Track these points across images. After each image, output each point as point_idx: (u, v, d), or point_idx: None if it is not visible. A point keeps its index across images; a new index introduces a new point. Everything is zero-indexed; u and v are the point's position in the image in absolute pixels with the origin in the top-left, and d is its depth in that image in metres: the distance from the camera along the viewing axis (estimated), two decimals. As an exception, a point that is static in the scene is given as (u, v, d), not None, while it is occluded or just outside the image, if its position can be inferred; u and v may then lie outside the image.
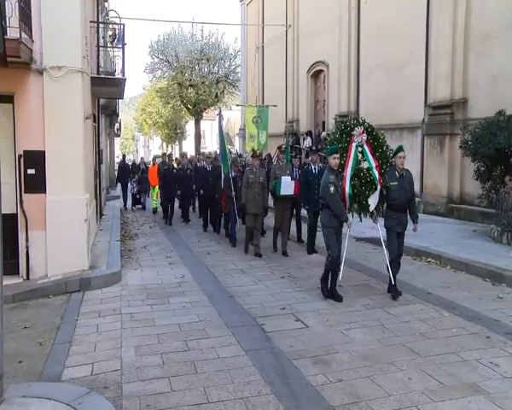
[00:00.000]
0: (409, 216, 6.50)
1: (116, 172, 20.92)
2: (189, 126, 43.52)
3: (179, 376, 4.23)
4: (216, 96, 33.03)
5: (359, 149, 6.46)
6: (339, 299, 6.23)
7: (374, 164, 6.38)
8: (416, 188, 12.32)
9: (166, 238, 11.23)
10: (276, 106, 18.20)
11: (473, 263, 7.62)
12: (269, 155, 17.68)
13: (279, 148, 11.54)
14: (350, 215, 6.52)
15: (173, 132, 46.32)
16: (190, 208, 15.00)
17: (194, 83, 32.09)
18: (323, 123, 20.32)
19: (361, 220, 6.74)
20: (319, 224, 6.88)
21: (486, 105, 11.24)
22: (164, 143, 52.58)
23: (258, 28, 26.50)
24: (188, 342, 4.98)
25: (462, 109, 12.62)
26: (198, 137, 34.83)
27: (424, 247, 8.76)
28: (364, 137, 6.46)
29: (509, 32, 11.18)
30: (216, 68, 33.26)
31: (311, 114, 21.51)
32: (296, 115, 22.50)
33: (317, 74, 21.07)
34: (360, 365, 4.40)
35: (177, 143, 49.00)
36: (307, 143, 18.79)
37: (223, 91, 33.58)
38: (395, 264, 6.47)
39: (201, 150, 31.61)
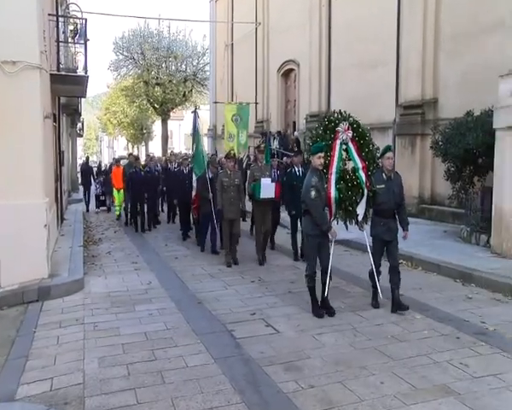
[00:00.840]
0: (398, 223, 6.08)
1: (79, 175, 20.51)
2: (156, 126, 43.11)
3: (146, 387, 4.17)
4: (184, 95, 32.90)
5: (344, 146, 5.99)
6: (331, 313, 5.86)
7: (360, 165, 5.90)
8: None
9: (132, 243, 11.07)
10: (257, 103, 17.59)
11: (444, 264, 7.83)
12: (248, 156, 17.67)
13: (257, 148, 11.01)
14: (334, 222, 6.04)
15: (139, 133, 45.71)
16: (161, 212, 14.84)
17: (161, 81, 31.84)
18: (294, 123, 20.49)
19: (347, 228, 6.17)
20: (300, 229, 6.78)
21: (456, 105, 11.55)
22: (129, 144, 51.87)
23: (228, 26, 26.52)
24: (154, 351, 4.92)
25: (433, 109, 12.97)
26: (165, 138, 34.57)
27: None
28: (350, 134, 6.02)
29: (478, 31, 11.55)
30: (184, 66, 33.12)
31: (282, 114, 21.66)
32: (267, 115, 22.61)
33: (287, 73, 21.23)
34: (332, 370, 4.44)
35: (143, 143, 48.43)
36: (276, 143, 18.87)
37: (191, 90, 33.46)
38: (393, 274, 5.97)
39: (174, 150, 31.32)
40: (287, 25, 20.28)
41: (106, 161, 41.50)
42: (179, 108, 35.88)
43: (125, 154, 39.03)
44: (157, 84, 32.02)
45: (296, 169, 8.82)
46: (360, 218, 6.02)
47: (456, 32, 12.23)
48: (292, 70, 20.73)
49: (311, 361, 4.63)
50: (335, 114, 6.34)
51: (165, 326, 5.61)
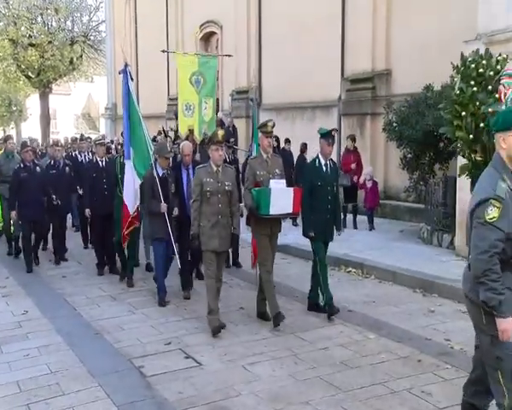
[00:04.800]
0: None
1: None
2: (32, 103, 40.97)
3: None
4: (71, 62, 31.69)
5: None
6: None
7: None
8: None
9: (0, 260, 10.51)
10: (231, 55, 14.61)
11: (400, 271, 8.19)
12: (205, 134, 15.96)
13: (262, 127, 7.04)
14: None
15: (6, 110, 42.91)
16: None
17: (37, 42, 30.21)
18: (217, 101, 20.49)
19: None
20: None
21: (413, 78, 12.06)
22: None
23: (128, -30, 26.04)
24: (31, 405, 4.68)
25: (386, 83, 13.54)
26: (46, 118, 33.05)
27: (344, 254, 9.22)
28: None
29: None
30: (69, 24, 31.92)
31: (202, 88, 21.58)
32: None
33: (207, 38, 21.22)
34: (269, 408, 4.48)
35: (12, 125, 45.68)
36: None
37: (81, 56, 32.37)
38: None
39: (59, 135, 30.00)
40: (205, -26, 20.28)
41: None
42: (65, 79, 34.40)
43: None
44: (30, 44, 30.27)
45: (322, 160, 6.93)
46: None
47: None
48: (213, 34, 20.75)
49: (243, 399, 4.65)
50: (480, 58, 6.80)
51: (49, 369, 5.38)
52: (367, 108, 13.79)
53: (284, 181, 6.80)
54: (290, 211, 6.72)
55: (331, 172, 6.91)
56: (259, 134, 6.95)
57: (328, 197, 6.77)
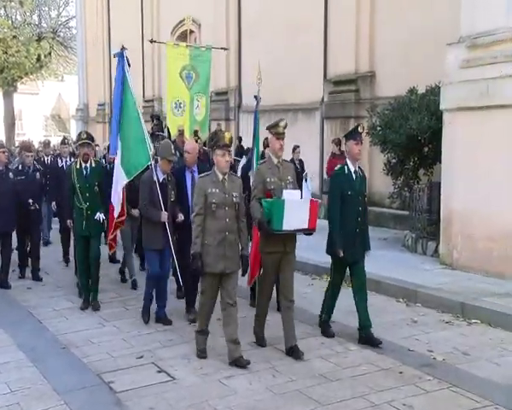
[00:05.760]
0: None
1: None
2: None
3: None
4: (38, 59, 31.44)
5: None
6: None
7: None
8: (315, 186, 13.10)
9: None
10: (227, 49, 14.94)
11: (384, 280, 8.32)
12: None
13: (272, 128, 6.43)
14: None
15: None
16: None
17: (0, 36, 29.88)
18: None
19: None
20: None
21: (397, 81, 12.28)
22: None
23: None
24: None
25: (370, 86, 13.71)
26: (11, 119, 32.75)
27: (325, 262, 9.27)
28: None
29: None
30: (36, 18, 31.71)
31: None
32: (158, 92, 22.51)
33: (185, 37, 21.15)
34: (244, 423, 4.54)
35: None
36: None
37: (49, 53, 32.18)
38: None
39: (26, 138, 29.66)
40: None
41: None
42: (32, 77, 34.15)
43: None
44: (-9, 38, 30.00)
45: (351, 167, 6.46)
46: None
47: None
48: (191, 32, 20.74)
49: (218, 415, 4.68)
50: None
51: (9, 388, 5.29)
52: (350, 111, 13.94)
53: (299, 192, 6.17)
54: (306, 227, 6.08)
55: (361, 180, 6.50)
56: (269, 136, 6.36)
57: (359, 208, 6.39)
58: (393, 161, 10.88)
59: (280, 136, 6.21)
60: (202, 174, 6.15)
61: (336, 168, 6.74)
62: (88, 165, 7.78)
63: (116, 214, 7.96)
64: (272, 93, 15.87)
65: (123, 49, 8.09)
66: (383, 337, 6.38)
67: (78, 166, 7.80)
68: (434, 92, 10.06)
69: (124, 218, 8.10)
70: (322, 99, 14.91)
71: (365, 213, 6.61)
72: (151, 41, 12.52)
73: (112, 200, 7.98)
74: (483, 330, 6.80)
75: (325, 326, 6.65)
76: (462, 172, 8.70)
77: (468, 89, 8.52)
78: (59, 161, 11.49)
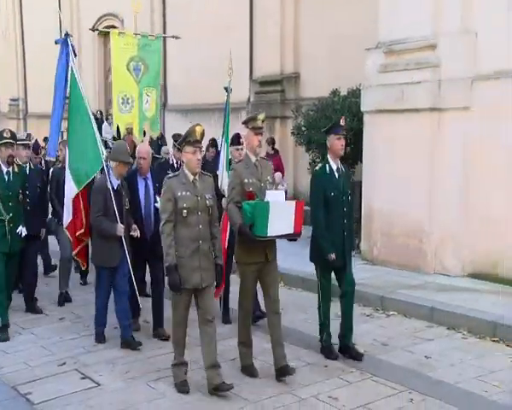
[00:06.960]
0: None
1: None
2: None
3: None
4: None
5: None
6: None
7: None
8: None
9: None
10: (179, 37, 14.53)
11: (309, 277, 8.46)
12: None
13: (249, 121, 5.94)
14: None
15: None
16: None
17: None
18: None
19: None
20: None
21: (321, 82, 12.55)
22: None
23: None
24: None
25: (294, 86, 13.97)
26: None
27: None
28: None
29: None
30: None
31: (102, 90, 21.21)
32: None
33: (106, 33, 20.82)
34: (175, 426, 4.56)
35: None
36: (108, 131, 17.33)
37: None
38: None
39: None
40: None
41: None
42: None
43: None
44: None
45: (333, 166, 6.01)
46: None
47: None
48: (114, 28, 20.41)
49: (146, 419, 4.69)
50: None
51: None
52: (276, 112, 14.15)
53: (283, 193, 5.82)
54: (291, 231, 5.52)
55: (344, 178, 6.04)
56: (247, 131, 5.75)
57: (344, 209, 5.93)
58: (317, 160, 11.11)
59: (258, 130, 5.64)
60: (170, 175, 5.59)
61: (316, 168, 6.28)
62: (10, 170, 6.71)
63: (65, 224, 7.23)
64: (198, 92, 15.92)
65: (67, 35, 7.48)
66: (308, 333, 6.57)
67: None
68: (356, 94, 10.38)
69: (83, 231, 7.16)
70: (249, 99, 15.05)
71: (351, 213, 6.29)
72: (93, 30, 11.76)
73: (64, 214, 7.28)
74: (399, 320, 7.18)
75: (327, 352, 6.07)
76: (382, 172, 9.04)
77: (386, 92, 8.87)
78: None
